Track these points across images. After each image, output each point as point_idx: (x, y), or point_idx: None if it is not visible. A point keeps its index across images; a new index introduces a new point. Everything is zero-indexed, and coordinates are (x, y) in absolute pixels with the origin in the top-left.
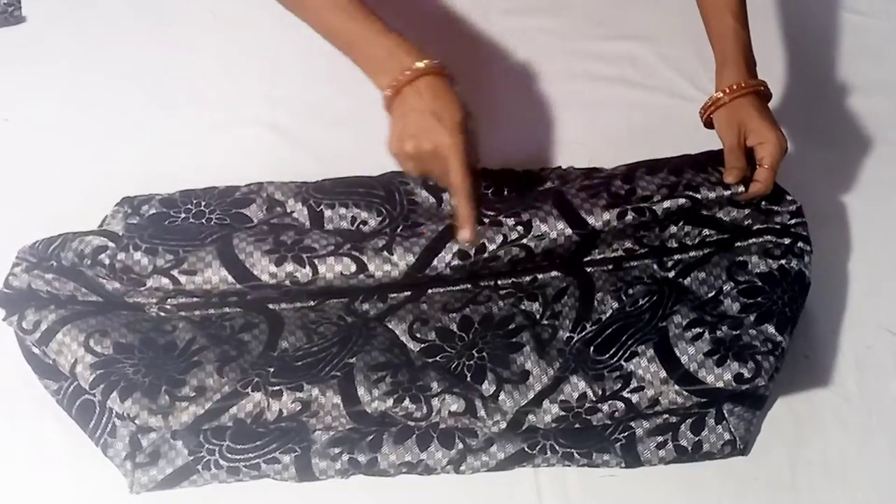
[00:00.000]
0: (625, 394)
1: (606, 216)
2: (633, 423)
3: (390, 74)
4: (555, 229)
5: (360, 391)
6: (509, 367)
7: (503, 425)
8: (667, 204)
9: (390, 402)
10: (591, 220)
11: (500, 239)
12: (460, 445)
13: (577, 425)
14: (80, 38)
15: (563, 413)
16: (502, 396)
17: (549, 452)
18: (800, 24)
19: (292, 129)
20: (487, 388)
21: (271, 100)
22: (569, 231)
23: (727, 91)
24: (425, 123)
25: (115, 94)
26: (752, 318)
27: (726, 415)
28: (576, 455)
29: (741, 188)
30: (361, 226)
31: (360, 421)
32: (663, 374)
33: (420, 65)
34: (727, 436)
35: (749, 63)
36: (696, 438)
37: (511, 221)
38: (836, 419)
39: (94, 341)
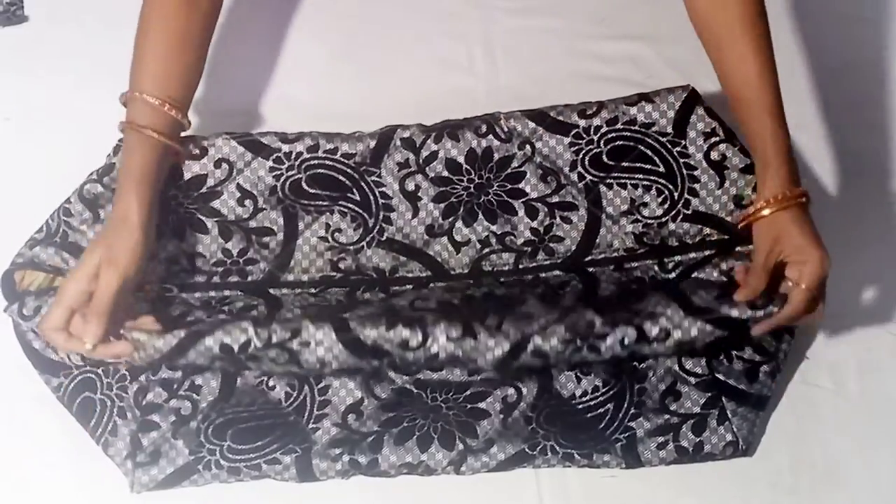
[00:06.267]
0: (636, 321)
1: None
2: (633, 424)
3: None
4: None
5: (353, 324)
6: (514, 312)
7: (506, 347)
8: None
9: (383, 327)
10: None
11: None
12: (461, 446)
13: (584, 353)
14: (82, 38)
15: (568, 336)
16: (505, 326)
17: (549, 453)
18: (799, 26)
19: (292, 128)
20: (490, 323)
21: (272, 99)
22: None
23: (770, 202)
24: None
25: (118, 95)
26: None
27: (729, 415)
28: (576, 456)
29: (752, 312)
30: (336, 233)
31: (355, 351)
32: (681, 313)
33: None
34: (729, 437)
35: (791, 169)
36: (698, 439)
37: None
38: (838, 421)
39: None
